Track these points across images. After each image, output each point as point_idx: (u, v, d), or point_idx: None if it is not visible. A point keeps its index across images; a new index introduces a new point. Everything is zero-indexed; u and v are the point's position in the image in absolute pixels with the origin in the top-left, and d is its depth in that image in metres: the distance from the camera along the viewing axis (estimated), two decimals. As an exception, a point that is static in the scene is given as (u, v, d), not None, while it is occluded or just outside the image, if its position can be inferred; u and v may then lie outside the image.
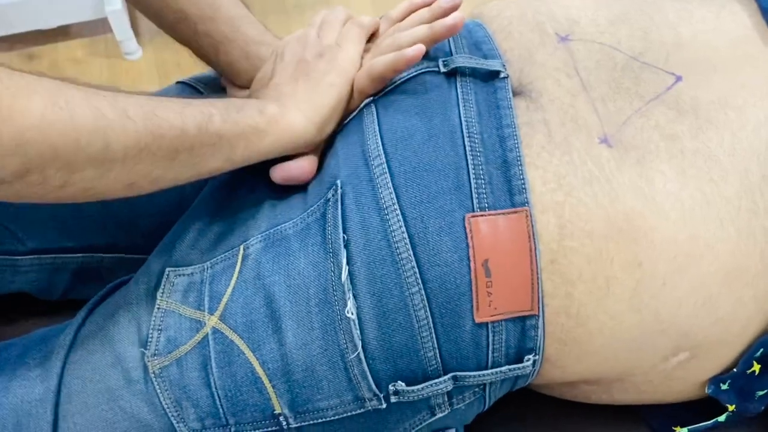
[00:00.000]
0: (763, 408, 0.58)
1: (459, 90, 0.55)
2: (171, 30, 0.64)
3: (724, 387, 0.55)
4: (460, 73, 0.56)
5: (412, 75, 0.57)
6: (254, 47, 0.63)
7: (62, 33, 1.74)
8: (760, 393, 0.56)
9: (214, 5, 0.62)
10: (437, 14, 0.59)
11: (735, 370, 0.54)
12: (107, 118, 0.44)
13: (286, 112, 0.55)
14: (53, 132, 0.41)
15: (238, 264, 0.54)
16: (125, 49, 1.68)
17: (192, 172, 0.51)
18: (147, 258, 0.68)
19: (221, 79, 0.69)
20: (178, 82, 0.75)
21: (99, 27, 1.74)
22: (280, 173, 0.57)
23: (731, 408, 0.57)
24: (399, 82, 0.57)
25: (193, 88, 0.73)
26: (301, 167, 0.57)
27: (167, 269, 0.57)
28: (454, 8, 0.58)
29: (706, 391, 0.55)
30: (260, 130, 0.53)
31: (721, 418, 0.58)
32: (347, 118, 0.59)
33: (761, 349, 0.54)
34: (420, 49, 0.55)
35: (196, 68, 1.76)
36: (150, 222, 0.68)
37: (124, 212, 0.67)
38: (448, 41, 0.60)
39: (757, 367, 0.54)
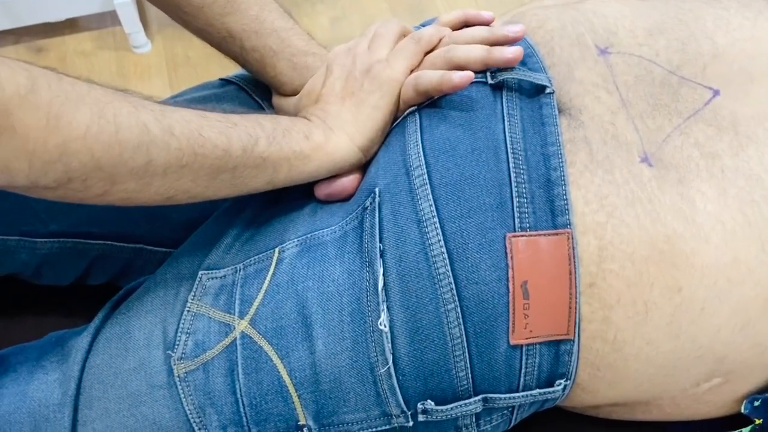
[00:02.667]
0: None
1: (504, 104, 0.54)
2: (218, 46, 0.65)
3: (756, 404, 0.54)
4: (507, 87, 0.55)
5: None
6: (301, 58, 0.63)
7: (70, 26, 1.72)
8: None
9: (259, 19, 0.62)
10: (498, 39, 0.57)
11: None
12: (152, 134, 0.44)
13: (331, 137, 0.55)
14: (97, 145, 0.41)
15: (272, 267, 0.53)
16: (134, 42, 1.67)
17: (232, 191, 0.51)
18: (167, 251, 0.67)
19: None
20: (222, 80, 0.74)
21: (107, 20, 1.73)
22: (323, 191, 0.57)
23: (758, 421, 0.56)
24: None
25: (240, 88, 0.72)
26: (343, 186, 0.56)
27: (200, 272, 0.56)
28: (517, 39, 0.57)
29: (742, 410, 0.54)
30: (305, 155, 0.54)
31: (746, 429, 0.57)
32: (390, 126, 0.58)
33: None
34: (468, 77, 0.53)
35: (207, 62, 1.76)
36: (181, 215, 0.67)
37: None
38: None
39: None
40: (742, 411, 0.54)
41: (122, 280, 0.71)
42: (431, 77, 0.55)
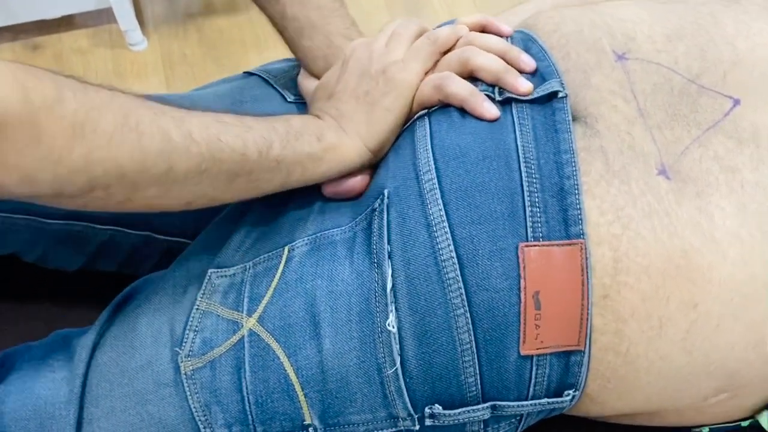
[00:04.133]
0: None
1: (515, 114, 0.54)
2: (262, 7, 0.65)
3: None
4: (516, 100, 0.55)
5: None
6: (338, 39, 0.64)
7: (66, 23, 1.72)
8: None
9: None
10: (512, 59, 0.57)
11: None
12: (173, 141, 0.44)
13: (343, 139, 0.56)
14: (121, 153, 0.42)
15: (281, 265, 0.53)
16: (130, 39, 1.67)
17: (247, 194, 0.52)
18: (173, 239, 0.67)
19: (296, 71, 0.70)
20: (246, 73, 0.75)
21: (103, 17, 1.72)
22: (331, 189, 0.57)
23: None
24: None
25: (262, 79, 0.73)
26: (352, 186, 0.57)
27: (210, 270, 0.56)
28: (527, 71, 0.56)
29: (764, 425, 0.54)
30: (317, 157, 0.54)
31: (745, 423, 0.57)
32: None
33: None
34: (494, 115, 0.54)
35: (203, 60, 1.74)
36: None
37: None
38: None
39: None
40: (764, 425, 0.54)
41: (129, 268, 0.72)
42: (460, 89, 0.55)
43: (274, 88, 0.72)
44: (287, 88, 0.72)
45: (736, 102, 0.53)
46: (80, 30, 1.72)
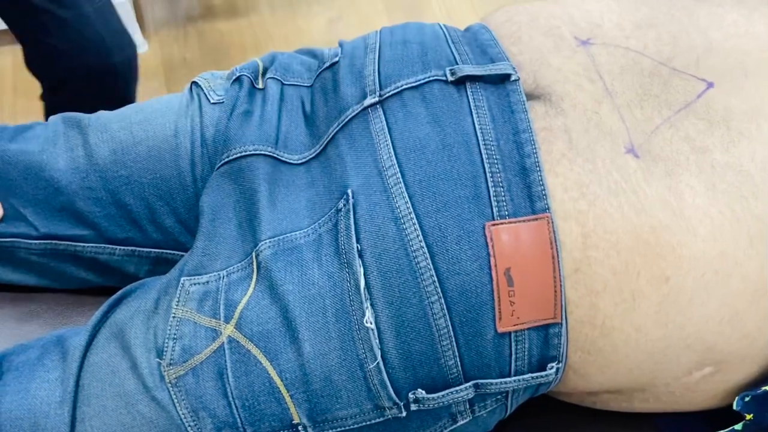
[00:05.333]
0: None
1: (470, 97, 0.55)
2: None
3: (747, 399, 0.55)
4: (470, 80, 0.55)
5: (419, 83, 0.56)
6: None
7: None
8: None
9: None
10: None
11: (766, 388, 0.54)
12: None
13: None
14: None
15: (254, 274, 0.54)
16: (130, 42, 1.68)
17: None
18: (158, 252, 0.67)
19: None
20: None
21: (104, 20, 1.73)
22: None
23: (749, 417, 0.57)
24: (405, 88, 0.57)
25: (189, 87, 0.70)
26: None
27: (182, 278, 0.57)
28: None
29: (735, 407, 0.55)
30: None
31: (738, 426, 0.58)
32: (347, 117, 0.58)
33: None
34: None
35: (203, 64, 1.75)
36: (170, 218, 0.67)
37: (141, 209, 0.67)
38: (450, 46, 0.59)
39: None
40: (734, 407, 0.55)
41: (120, 281, 0.72)
42: None
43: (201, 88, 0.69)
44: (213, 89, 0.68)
45: (710, 84, 0.54)
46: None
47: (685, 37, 0.56)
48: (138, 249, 0.68)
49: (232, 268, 0.56)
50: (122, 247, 0.68)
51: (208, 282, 0.56)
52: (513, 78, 0.55)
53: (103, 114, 0.70)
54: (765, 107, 0.52)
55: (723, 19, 0.57)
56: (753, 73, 0.54)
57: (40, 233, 0.66)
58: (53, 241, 0.67)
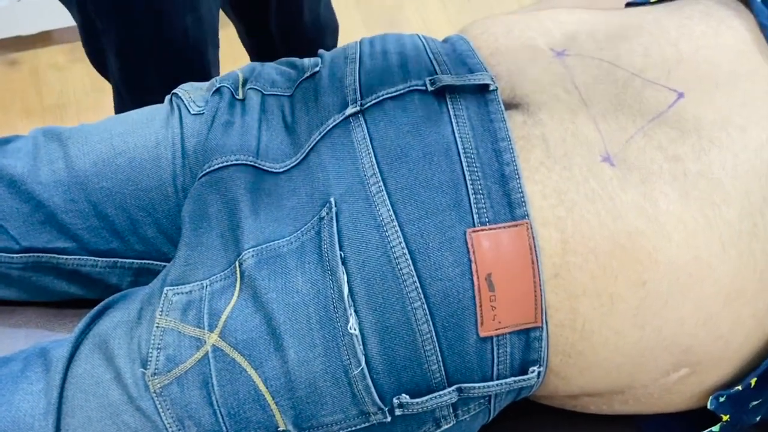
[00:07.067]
0: (757, 419, 0.59)
1: (450, 106, 0.56)
2: None
3: (721, 400, 0.56)
4: (449, 90, 0.56)
5: (399, 92, 0.57)
6: None
7: (43, 39, 1.72)
8: (754, 403, 0.57)
9: None
10: None
11: (739, 387, 0.55)
12: None
13: None
14: None
15: (238, 282, 0.54)
16: (108, 55, 1.67)
17: None
18: (140, 263, 0.67)
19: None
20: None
21: (81, 33, 1.72)
22: None
23: (725, 418, 0.58)
24: (386, 98, 0.57)
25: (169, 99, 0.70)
26: None
27: (165, 288, 0.57)
28: None
29: (709, 406, 0.56)
30: None
31: (715, 428, 0.59)
32: (329, 126, 0.58)
33: (765, 368, 0.55)
34: None
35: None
36: (152, 228, 0.67)
37: (123, 220, 0.67)
38: (429, 57, 0.60)
39: (753, 381, 0.55)
40: (708, 407, 0.56)
41: (102, 293, 0.72)
42: None
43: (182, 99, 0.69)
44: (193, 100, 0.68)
45: (681, 95, 0.55)
46: (57, 46, 1.73)
47: (657, 49, 0.58)
48: (120, 260, 0.68)
49: (215, 277, 0.56)
50: (104, 259, 0.68)
51: (191, 291, 0.56)
52: (492, 88, 0.56)
53: (83, 126, 0.70)
54: (735, 117, 0.54)
55: (692, 31, 0.59)
56: (722, 84, 0.56)
57: (21, 247, 0.66)
58: (35, 254, 0.67)
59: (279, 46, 1.16)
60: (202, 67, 0.96)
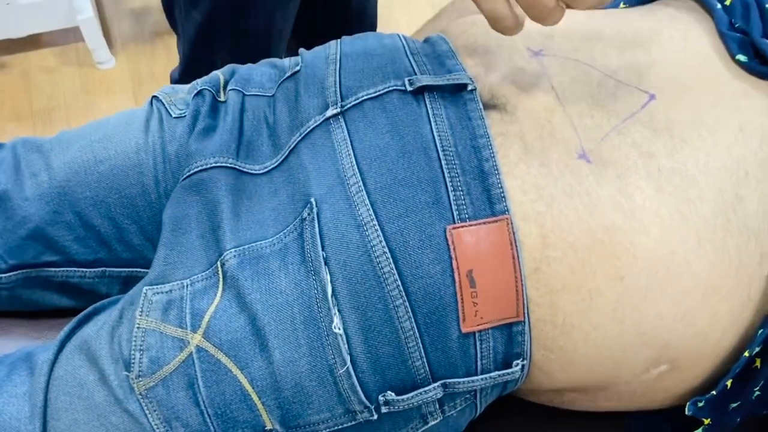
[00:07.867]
0: (738, 420, 0.60)
1: (428, 106, 0.56)
2: None
3: (701, 404, 0.57)
4: (428, 89, 0.57)
5: (379, 93, 0.58)
6: None
7: (33, 42, 1.72)
8: (733, 405, 0.58)
9: None
10: None
11: (714, 392, 0.56)
12: None
13: None
14: None
15: (221, 283, 0.55)
16: (97, 58, 1.67)
17: None
18: (129, 271, 0.68)
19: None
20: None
21: (71, 35, 1.73)
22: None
23: (707, 422, 0.58)
24: (366, 98, 0.58)
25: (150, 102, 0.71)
26: None
27: (144, 288, 0.57)
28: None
29: (687, 412, 0.57)
30: None
31: (698, 431, 0.60)
32: (309, 127, 0.58)
33: (737, 371, 0.55)
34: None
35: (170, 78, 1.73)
36: (137, 236, 0.68)
37: (109, 229, 0.67)
38: (409, 57, 0.61)
39: (729, 382, 0.56)
40: (687, 413, 0.57)
41: (92, 303, 0.72)
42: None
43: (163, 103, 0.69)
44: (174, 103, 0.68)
45: (652, 96, 0.56)
46: (47, 48, 1.73)
47: (629, 51, 0.59)
48: (108, 269, 0.68)
49: (195, 277, 0.56)
50: (92, 269, 0.68)
51: (171, 291, 0.56)
52: (470, 88, 0.56)
53: (63, 134, 0.70)
54: (706, 118, 0.55)
55: (661, 34, 0.60)
56: (692, 87, 0.57)
57: (8, 265, 0.66)
58: (23, 271, 0.67)
59: (320, 26, 1.24)
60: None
